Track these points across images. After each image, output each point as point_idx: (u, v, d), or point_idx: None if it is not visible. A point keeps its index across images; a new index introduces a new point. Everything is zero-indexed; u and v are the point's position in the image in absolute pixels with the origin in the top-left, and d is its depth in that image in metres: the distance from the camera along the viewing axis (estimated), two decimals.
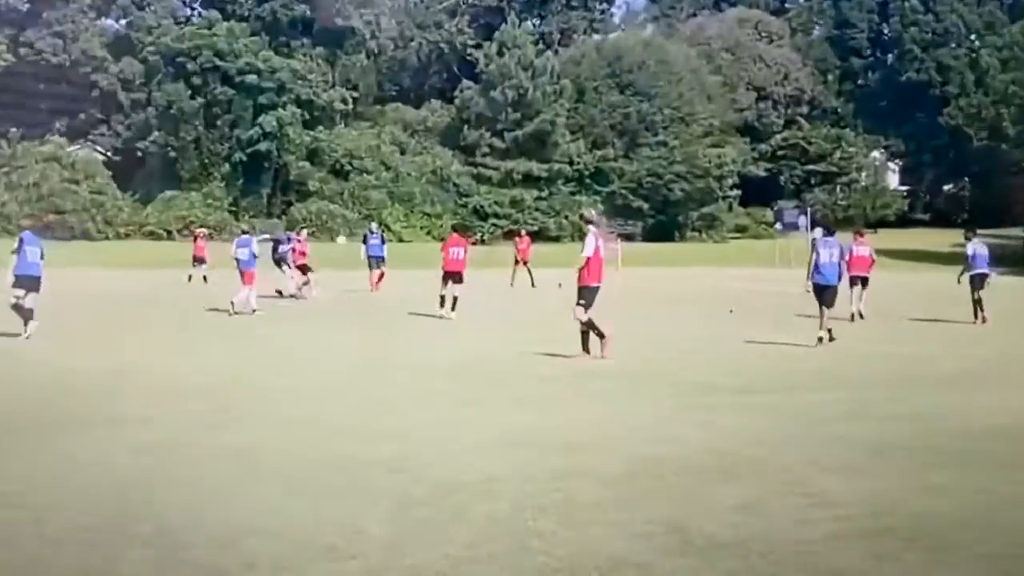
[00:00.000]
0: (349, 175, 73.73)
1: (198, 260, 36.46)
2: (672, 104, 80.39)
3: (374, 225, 36.67)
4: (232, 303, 23.14)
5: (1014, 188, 74.78)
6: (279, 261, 30.42)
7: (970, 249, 24.37)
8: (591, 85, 79.56)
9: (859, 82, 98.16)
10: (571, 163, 76.95)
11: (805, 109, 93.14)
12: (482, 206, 73.32)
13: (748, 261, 64.43)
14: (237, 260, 24.35)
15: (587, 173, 77.81)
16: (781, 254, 60.90)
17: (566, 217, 74.19)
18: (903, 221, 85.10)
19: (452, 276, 23.18)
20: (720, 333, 20.58)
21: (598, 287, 15.71)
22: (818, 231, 20.55)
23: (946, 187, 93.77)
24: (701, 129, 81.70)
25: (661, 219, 78.50)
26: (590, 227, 16.21)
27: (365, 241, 32.72)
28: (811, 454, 8.92)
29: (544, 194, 75.67)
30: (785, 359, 16.51)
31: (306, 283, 29.97)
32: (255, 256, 24.34)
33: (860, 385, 13.43)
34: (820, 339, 17.93)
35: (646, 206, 78.03)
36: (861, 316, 23.75)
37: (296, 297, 29.07)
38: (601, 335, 15.47)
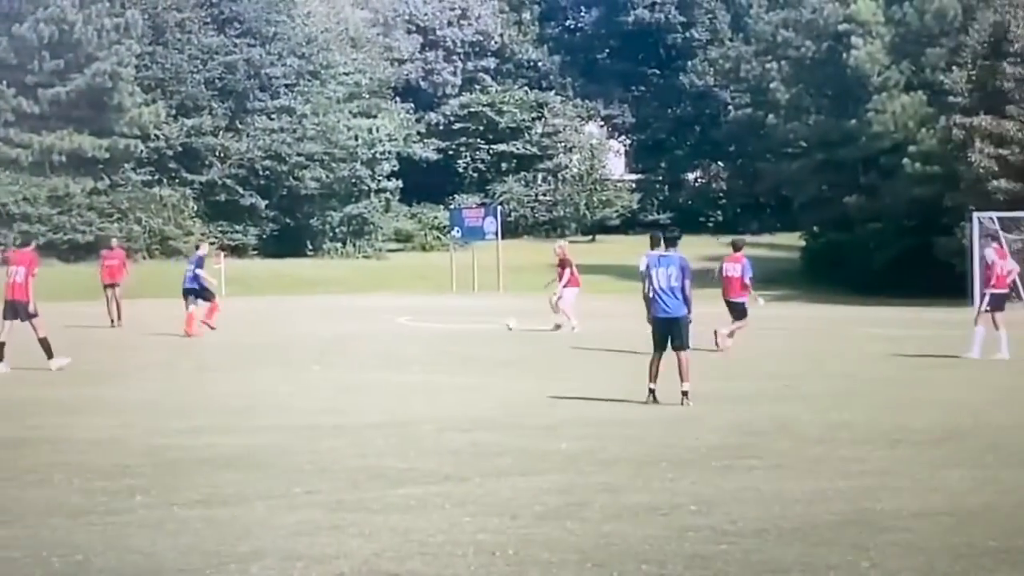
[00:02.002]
0: None
1: None
2: (299, 51, 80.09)
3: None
4: None
5: (789, 177, 78.79)
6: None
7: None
8: (175, 19, 78.16)
9: (567, 23, 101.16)
10: (146, 137, 75.22)
11: (492, 63, 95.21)
12: (4, 204, 70.46)
13: (413, 285, 64.74)
14: None
15: (171, 153, 76.34)
16: (460, 274, 61.55)
17: (139, 221, 72.45)
18: (633, 224, 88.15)
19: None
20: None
21: None
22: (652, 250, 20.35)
23: (691, 175, 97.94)
24: (343, 90, 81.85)
25: (287, 223, 78.02)
26: None
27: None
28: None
29: (103, 185, 73.57)
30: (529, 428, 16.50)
31: None
32: None
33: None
34: (650, 391, 18.99)
35: (263, 203, 77.35)
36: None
37: None
38: None
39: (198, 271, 34.12)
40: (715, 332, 28.51)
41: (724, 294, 30.14)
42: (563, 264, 34.98)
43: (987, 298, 28.11)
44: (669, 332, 19.03)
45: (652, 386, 18.90)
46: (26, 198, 70.90)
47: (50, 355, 24.51)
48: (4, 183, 71.31)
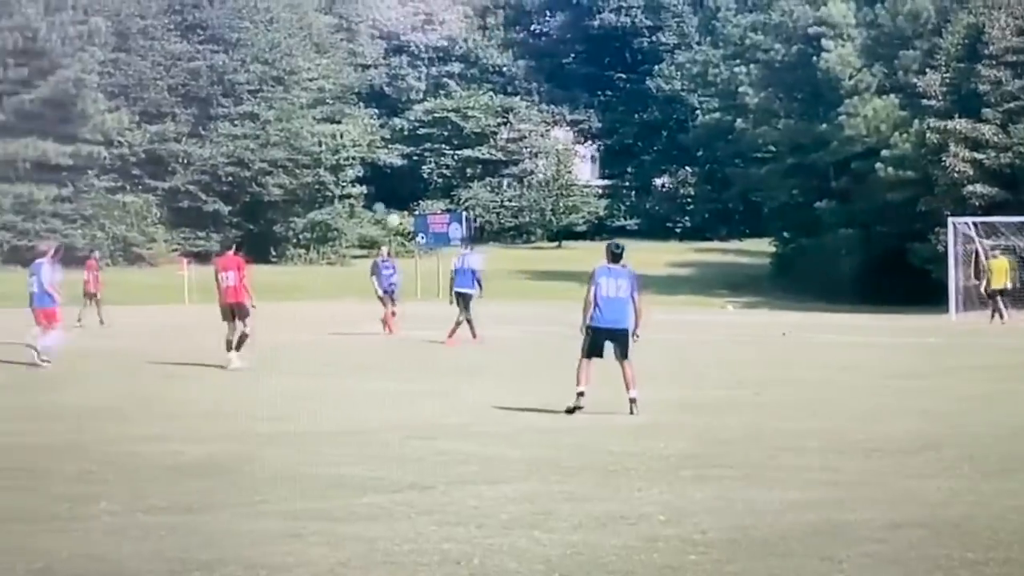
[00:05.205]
0: None
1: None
2: (263, 57, 79.99)
3: (385, 250, 41.76)
4: None
5: (758, 182, 78.90)
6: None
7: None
8: (138, 25, 78.02)
9: (533, 28, 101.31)
10: (109, 144, 75.10)
11: (457, 67, 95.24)
12: None
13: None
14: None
15: (135, 160, 76.22)
16: (425, 281, 61.43)
17: (103, 227, 72.27)
18: (600, 230, 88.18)
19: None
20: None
21: None
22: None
23: (660, 180, 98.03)
24: (308, 96, 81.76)
25: (251, 229, 77.84)
26: None
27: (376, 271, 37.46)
28: None
29: (67, 192, 73.40)
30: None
31: None
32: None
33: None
34: (579, 395, 18.81)
35: (227, 210, 77.21)
36: None
37: None
38: None
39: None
40: None
41: None
42: None
43: None
44: (612, 342, 18.97)
45: (582, 390, 18.69)
46: None
47: (233, 349, 25.85)
48: None
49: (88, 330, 38.11)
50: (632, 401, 18.69)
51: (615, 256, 19.72)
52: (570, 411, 18.56)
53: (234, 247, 29.22)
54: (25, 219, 71.07)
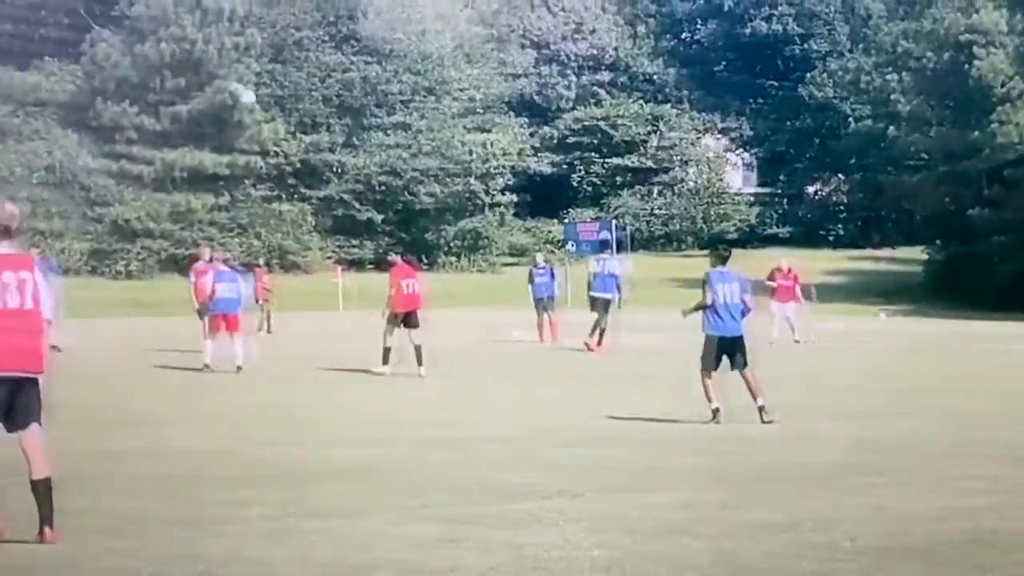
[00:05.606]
0: None
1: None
2: (415, 68, 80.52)
3: (540, 257, 41.38)
4: None
5: (910, 190, 78.04)
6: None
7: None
8: (293, 37, 78.91)
9: (684, 36, 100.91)
10: (265, 154, 76.03)
11: (607, 76, 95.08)
12: (127, 220, 71.48)
13: (528, 299, 64.60)
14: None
15: (290, 169, 77.10)
16: (577, 289, 61.45)
17: (259, 236, 73.12)
18: (751, 238, 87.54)
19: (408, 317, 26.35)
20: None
21: None
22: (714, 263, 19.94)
23: (811, 188, 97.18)
24: (458, 105, 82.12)
25: (402, 237, 78.31)
26: None
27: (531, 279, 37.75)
28: None
29: (224, 201, 74.45)
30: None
31: None
32: None
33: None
34: (715, 412, 18.47)
35: (380, 218, 77.80)
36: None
37: None
38: None
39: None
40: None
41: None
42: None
43: None
44: (732, 351, 18.63)
45: (717, 406, 18.37)
46: (149, 214, 72.01)
47: (419, 364, 25.95)
48: (128, 199, 72.45)
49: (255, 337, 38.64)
50: (761, 409, 18.35)
51: (724, 259, 19.48)
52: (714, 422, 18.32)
53: (401, 255, 29.42)
54: (182, 228, 72.26)
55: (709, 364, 18.57)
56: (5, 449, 10.25)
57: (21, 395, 9.94)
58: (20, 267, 10.06)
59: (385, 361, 25.94)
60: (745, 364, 18.60)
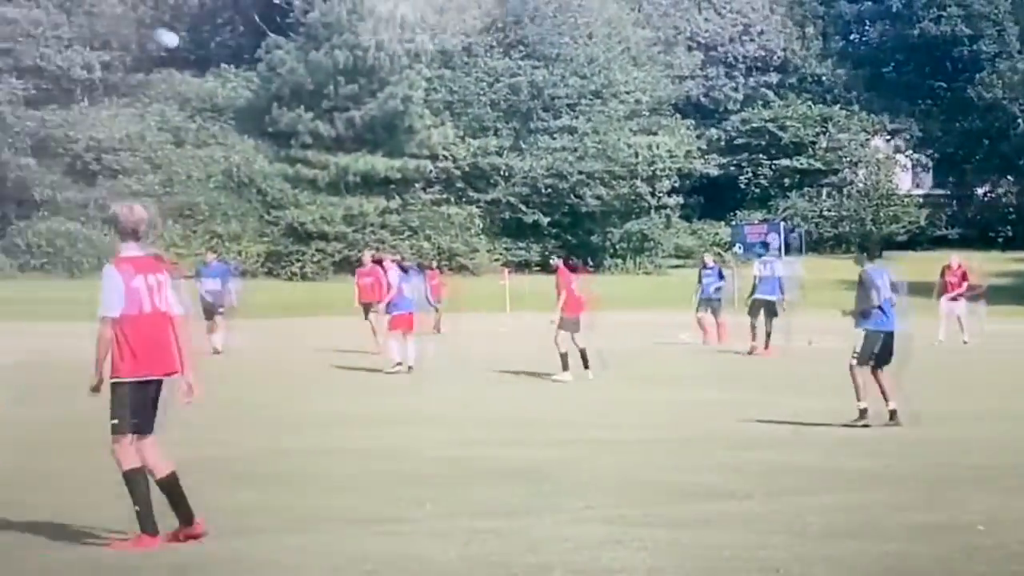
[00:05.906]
0: (97, 177, 72.38)
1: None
2: (582, 72, 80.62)
3: (709, 258, 41.00)
4: None
5: None
6: None
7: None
8: (462, 43, 79.43)
9: (852, 37, 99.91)
10: (435, 158, 76.68)
11: (775, 78, 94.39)
12: (302, 223, 72.47)
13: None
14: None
15: (459, 173, 77.64)
16: (744, 291, 61.11)
17: (429, 239, 73.71)
18: (920, 240, 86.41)
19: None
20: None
21: None
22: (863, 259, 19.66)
23: (981, 190, 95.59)
24: (624, 108, 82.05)
25: (568, 239, 78.41)
26: None
27: (700, 279, 37.36)
28: None
29: (395, 204, 75.20)
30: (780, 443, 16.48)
31: None
32: None
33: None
34: (863, 412, 18.31)
35: (546, 221, 77.99)
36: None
37: None
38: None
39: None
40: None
41: None
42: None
43: None
44: (887, 347, 18.41)
45: (865, 406, 18.19)
46: (323, 217, 72.97)
47: (586, 368, 26.00)
48: (303, 202, 73.51)
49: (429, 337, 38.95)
50: (893, 413, 18.21)
51: (876, 255, 19.38)
52: (864, 426, 18.05)
53: (564, 259, 29.08)
54: (355, 230, 73.09)
55: (866, 359, 18.36)
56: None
57: (158, 396, 10.17)
58: (153, 271, 10.28)
59: (565, 367, 25.81)
60: (889, 362, 18.41)
